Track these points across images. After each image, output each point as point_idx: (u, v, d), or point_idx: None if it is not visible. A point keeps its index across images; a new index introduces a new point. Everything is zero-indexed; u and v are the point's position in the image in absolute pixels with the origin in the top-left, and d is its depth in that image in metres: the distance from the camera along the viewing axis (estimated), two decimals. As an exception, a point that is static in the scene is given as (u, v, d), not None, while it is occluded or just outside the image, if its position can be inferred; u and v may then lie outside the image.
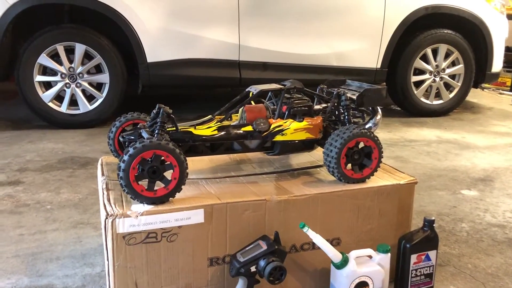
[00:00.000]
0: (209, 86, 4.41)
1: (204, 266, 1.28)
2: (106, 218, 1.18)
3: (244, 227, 1.29)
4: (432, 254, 1.41)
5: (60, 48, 3.27)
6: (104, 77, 3.38)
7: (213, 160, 1.63)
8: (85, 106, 3.38)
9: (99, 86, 3.43)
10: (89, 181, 2.37)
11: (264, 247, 1.22)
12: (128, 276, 1.22)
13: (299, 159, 1.63)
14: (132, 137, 1.41)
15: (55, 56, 3.31)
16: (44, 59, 3.26)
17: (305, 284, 1.39)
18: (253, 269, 1.21)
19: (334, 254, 1.28)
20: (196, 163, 1.54)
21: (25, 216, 1.97)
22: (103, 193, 1.32)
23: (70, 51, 3.32)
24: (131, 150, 1.20)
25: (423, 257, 1.40)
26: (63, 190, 2.26)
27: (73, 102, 3.40)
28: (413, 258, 1.39)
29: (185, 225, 1.24)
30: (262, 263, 1.19)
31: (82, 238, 1.79)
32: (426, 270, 1.41)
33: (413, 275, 1.40)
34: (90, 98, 3.42)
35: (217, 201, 1.27)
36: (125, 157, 1.20)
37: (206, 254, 1.28)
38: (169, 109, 1.39)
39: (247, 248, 1.24)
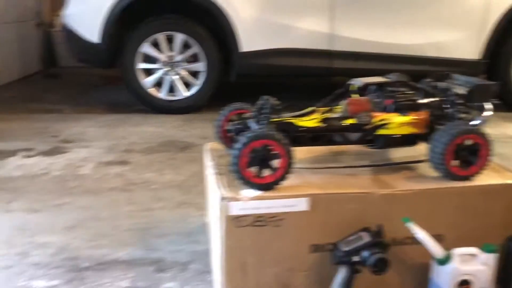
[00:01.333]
0: (300, 75, 4.44)
1: (306, 252, 1.34)
2: (220, 200, 1.27)
3: (346, 218, 1.32)
4: (542, 258, 1.35)
5: (161, 37, 3.47)
6: (200, 66, 3.54)
7: (310, 150, 1.66)
8: (182, 93, 3.57)
9: (195, 74, 3.60)
10: (189, 165, 2.52)
11: (368, 238, 1.24)
12: (236, 256, 1.31)
13: (397, 153, 1.63)
14: (239, 127, 1.49)
15: (156, 45, 3.52)
16: (146, 48, 3.49)
17: (404, 278, 1.40)
18: (355, 259, 1.24)
19: (437, 250, 1.28)
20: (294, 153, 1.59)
21: (134, 194, 2.15)
22: (215, 178, 1.41)
23: (170, 40, 3.52)
24: (243, 139, 1.28)
25: (531, 260, 1.35)
26: (166, 172, 2.43)
27: (171, 89, 3.60)
28: (521, 260, 1.34)
29: (290, 211, 1.30)
30: (366, 254, 1.22)
31: (186, 217, 1.93)
32: (534, 274, 1.36)
33: (519, 278, 1.35)
34: (187, 85, 3.61)
35: (321, 191, 1.32)
36: (238, 145, 1.28)
37: (308, 240, 1.33)
38: (275, 100, 1.46)
39: (350, 238, 1.27)
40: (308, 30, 3.47)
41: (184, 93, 3.58)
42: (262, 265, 1.33)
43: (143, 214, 1.95)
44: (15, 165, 2.49)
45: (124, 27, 3.62)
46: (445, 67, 3.14)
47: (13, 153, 2.67)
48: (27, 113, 3.64)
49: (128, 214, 1.95)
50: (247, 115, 1.56)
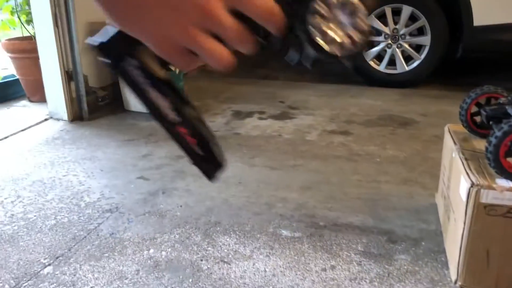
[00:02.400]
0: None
1: (561, 253, 1.26)
2: (471, 186, 1.27)
3: None
4: None
5: (387, 10, 3.45)
6: (425, 40, 3.43)
7: None
8: (402, 67, 3.53)
9: (417, 48, 3.50)
10: (411, 141, 2.53)
11: None
12: (481, 243, 1.31)
13: None
14: (493, 112, 1.45)
15: (381, 17, 3.52)
16: (372, 20, 3.51)
17: None
18: None
19: None
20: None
21: (359, 164, 2.27)
22: (461, 162, 1.41)
23: (395, 13, 3.47)
24: (505, 127, 1.24)
25: None
26: (388, 146, 2.48)
27: (390, 62, 3.58)
28: None
29: (550, 209, 1.23)
30: None
31: (412, 194, 1.96)
32: None
33: None
34: (408, 59, 3.54)
35: None
36: (498, 133, 1.25)
37: None
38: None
39: None
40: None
41: (404, 67, 3.52)
42: (508, 257, 1.31)
43: (370, 185, 2.05)
44: (252, 126, 2.84)
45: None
46: None
47: (249, 114, 3.05)
48: (254, 78, 4.06)
49: (356, 183, 2.07)
50: (503, 100, 1.51)
